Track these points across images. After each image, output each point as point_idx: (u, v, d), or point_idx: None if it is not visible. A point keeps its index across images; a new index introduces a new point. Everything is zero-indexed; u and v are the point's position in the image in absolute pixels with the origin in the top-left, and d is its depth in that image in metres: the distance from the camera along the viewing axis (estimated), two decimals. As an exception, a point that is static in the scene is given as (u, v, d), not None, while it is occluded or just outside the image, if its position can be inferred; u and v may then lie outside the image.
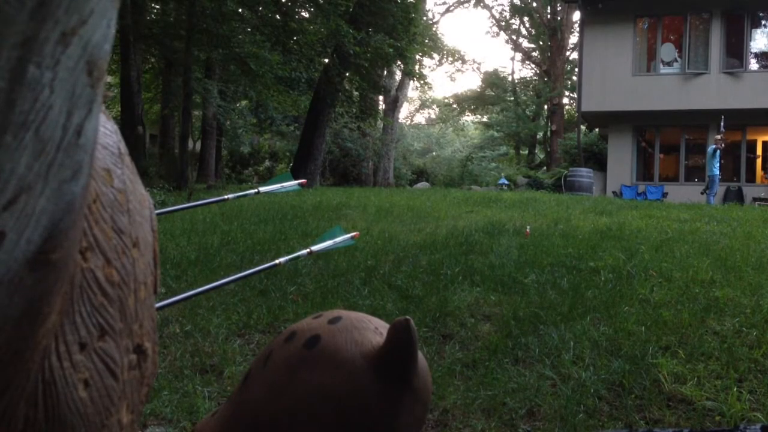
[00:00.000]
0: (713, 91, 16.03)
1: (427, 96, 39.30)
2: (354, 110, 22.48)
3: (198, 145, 20.58)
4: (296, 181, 1.97)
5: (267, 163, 26.91)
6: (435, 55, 30.43)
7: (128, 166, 0.59)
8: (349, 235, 1.92)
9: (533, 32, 30.21)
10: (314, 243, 1.84)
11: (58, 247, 0.39)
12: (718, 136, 13.51)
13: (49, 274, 0.39)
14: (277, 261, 1.81)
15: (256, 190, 1.96)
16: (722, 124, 13.68)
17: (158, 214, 1.79)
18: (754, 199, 15.30)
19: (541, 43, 29.99)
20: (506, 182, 19.51)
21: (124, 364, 0.53)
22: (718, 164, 13.33)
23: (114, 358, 0.51)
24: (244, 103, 19.80)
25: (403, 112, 36.05)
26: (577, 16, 24.05)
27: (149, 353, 0.57)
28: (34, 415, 0.45)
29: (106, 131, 0.58)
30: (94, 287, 0.50)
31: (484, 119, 36.05)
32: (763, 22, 16.96)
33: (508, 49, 46.12)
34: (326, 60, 17.69)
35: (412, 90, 32.61)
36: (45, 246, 0.37)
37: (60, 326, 0.46)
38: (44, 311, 0.41)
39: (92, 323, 0.49)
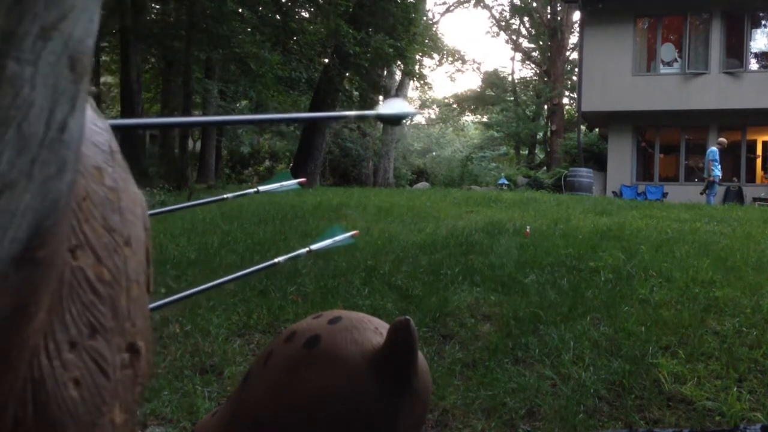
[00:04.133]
0: (713, 91, 16.03)
1: (427, 96, 39.31)
2: (354, 110, 22.45)
3: (198, 145, 20.58)
4: (296, 180, 1.96)
5: (267, 163, 26.90)
6: (435, 55, 30.41)
7: (120, 164, 0.59)
8: (348, 234, 1.91)
9: (533, 32, 30.23)
10: (314, 242, 1.83)
11: (44, 245, 0.39)
12: (722, 139, 13.72)
13: (35, 273, 0.39)
14: (275, 260, 1.79)
15: (255, 189, 1.95)
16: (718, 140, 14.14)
17: (158, 214, 1.78)
18: (754, 199, 15.29)
19: (541, 43, 30.00)
20: (506, 182, 19.49)
21: (116, 362, 0.52)
22: (717, 166, 13.40)
23: (105, 357, 0.51)
24: (244, 103, 19.80)
25: (403, 112, 35.94)
26: (577, 16, 24.08)
27: (142, 352, 0.57)
28: (24, 414, 0.44)
29: (97, 129, 0.57)
30: (84, 285, 0.50)
31: (484, 119, 36.04)
32: (763, 22, 16.95)
33: (508, 49, 46.04)
34: (326, 60, 17.70)
35: (412, 90, 32.61)
36: (31, 244, 0.37)
37: (49, 325, 0.46)
38: (31, 310, 0.41)
39: (82, 322, 0.49)
